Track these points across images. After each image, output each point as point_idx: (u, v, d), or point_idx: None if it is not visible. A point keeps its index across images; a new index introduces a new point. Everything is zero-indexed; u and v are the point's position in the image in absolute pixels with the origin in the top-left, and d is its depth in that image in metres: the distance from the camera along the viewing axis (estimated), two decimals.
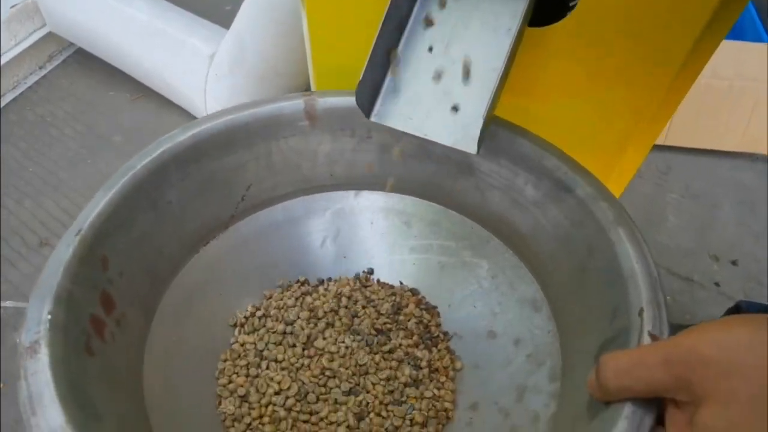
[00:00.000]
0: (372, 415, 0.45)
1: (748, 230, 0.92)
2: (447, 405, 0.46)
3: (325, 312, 0.51)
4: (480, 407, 0.45)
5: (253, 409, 0.45)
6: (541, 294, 0.47)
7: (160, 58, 1.04)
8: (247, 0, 0.95)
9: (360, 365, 0.47)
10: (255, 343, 0.49)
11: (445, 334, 0.51)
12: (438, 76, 0.44)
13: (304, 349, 0.49)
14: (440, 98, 0.44)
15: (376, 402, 0.46)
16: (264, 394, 0.46)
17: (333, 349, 0.49)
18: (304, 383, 0.46)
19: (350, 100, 0.47)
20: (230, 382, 0.47)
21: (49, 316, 0.34)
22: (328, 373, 0.47)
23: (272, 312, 0.51)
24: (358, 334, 0.49)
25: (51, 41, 1.22)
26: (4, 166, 1.00)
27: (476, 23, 0.43)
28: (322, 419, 0.45)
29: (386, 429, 0.44)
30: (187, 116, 1.09)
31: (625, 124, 0.51)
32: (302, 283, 0.53)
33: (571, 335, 0.43)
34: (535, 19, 0.45)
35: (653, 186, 0.99)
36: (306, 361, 0.48)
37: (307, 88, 0.57)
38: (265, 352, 0.48)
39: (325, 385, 0.47)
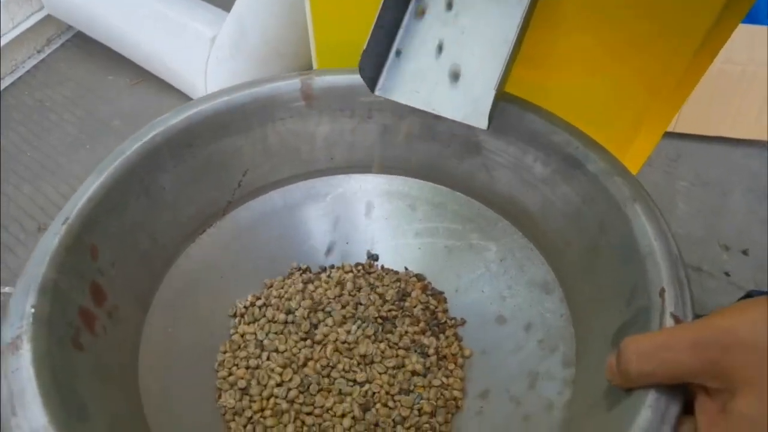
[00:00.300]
0: (378, 405, 0.44)
1: (758, 219, 0.90)
2: (456, 393, 0.45)
3: (329, 300, 0.49)
4: (490, 395, 0.44)
5: (254, 401, 0.44)
6: (552, 275, 0.46)
7: (161, 41, 1.03)
8: None
9: (365, 354, 0.46)
10: (255, 334, 0.48)
11: (453, 320, 0.49)
12: (446, 49, 0.42)
13: (306, 339, 0.47)
14: (448, 71, 0.42)
15: (382, 392, 0.44)
16: (265, 386, 0.44)
17: (336, 338, 0.47)
18: (306, 374, 0.45)
19: (349, 78, 0.46)
20: (230, 374, 0.45)
21: (33, 310, 0.33)
22: (331, 363, 0.46)
23: (273, 301, 0.49)
24: (363, 322, 0.48)
25: (49, 24, 1.20)
26: (2, 151, 0.99)
27: None
28: (326, 411, 0.44)
29: (393, 420, 0.43)
30: (188, 100, 1.06)
31: (641, 102, 0.49)
32: (303, 271, 0.52)
33: (586, 318, 0.41)
34: None
35: (663, 174, 0.97)
36: (308, 351, 0.46)
37: (310, 69, 0.55)
38: (266, 343, 0.47)
39: (328, 376, 0.45)
